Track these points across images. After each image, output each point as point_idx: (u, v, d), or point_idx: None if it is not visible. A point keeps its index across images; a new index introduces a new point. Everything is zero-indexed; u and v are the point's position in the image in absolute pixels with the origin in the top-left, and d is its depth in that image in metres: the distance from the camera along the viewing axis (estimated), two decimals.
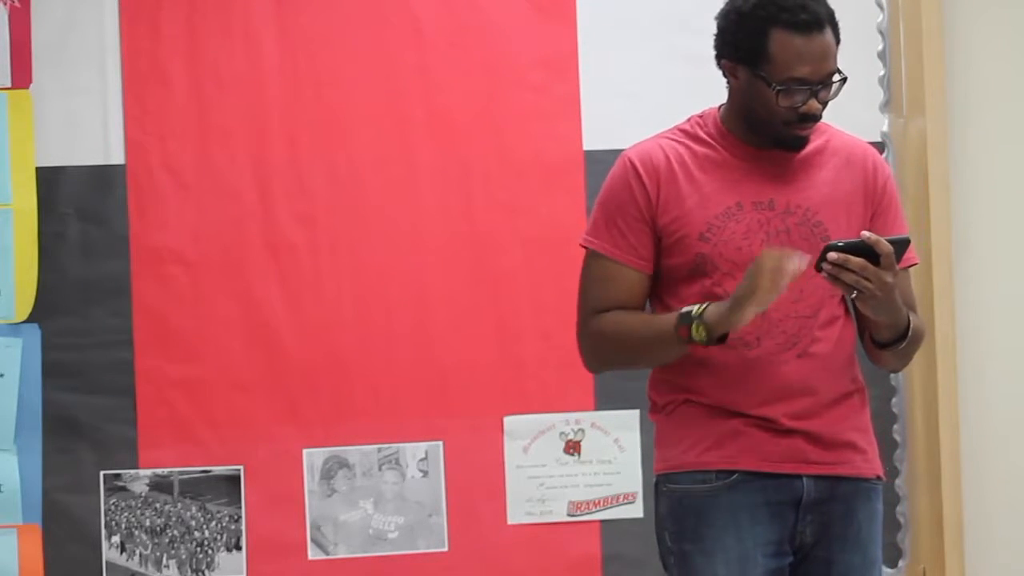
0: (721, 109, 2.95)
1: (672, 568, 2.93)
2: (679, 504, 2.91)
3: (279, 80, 4.12)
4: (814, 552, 2.91)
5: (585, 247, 2.96)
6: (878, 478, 2.97)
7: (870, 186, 2.94)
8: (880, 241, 2.70)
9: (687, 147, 2.92)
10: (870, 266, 2.70)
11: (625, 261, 2.90)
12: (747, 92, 2.86)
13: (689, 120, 2.97)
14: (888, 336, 2.88)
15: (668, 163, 2.90)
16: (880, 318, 2.82)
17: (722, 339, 2.78)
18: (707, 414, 2.88)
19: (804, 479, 2.88)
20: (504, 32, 4.18)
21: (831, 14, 2.84)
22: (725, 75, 2.91)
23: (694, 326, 2.77)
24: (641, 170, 2.90)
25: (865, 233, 2.72)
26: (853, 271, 2.70)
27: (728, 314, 2.74)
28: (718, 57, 2.90)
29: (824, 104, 2.85)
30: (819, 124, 2.93)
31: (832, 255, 2.70)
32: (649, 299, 2.95)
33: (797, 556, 2.91)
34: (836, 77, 2.84)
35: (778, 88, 2.80)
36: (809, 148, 2.92)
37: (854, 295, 2.74)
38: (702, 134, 2.93)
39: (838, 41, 2.85)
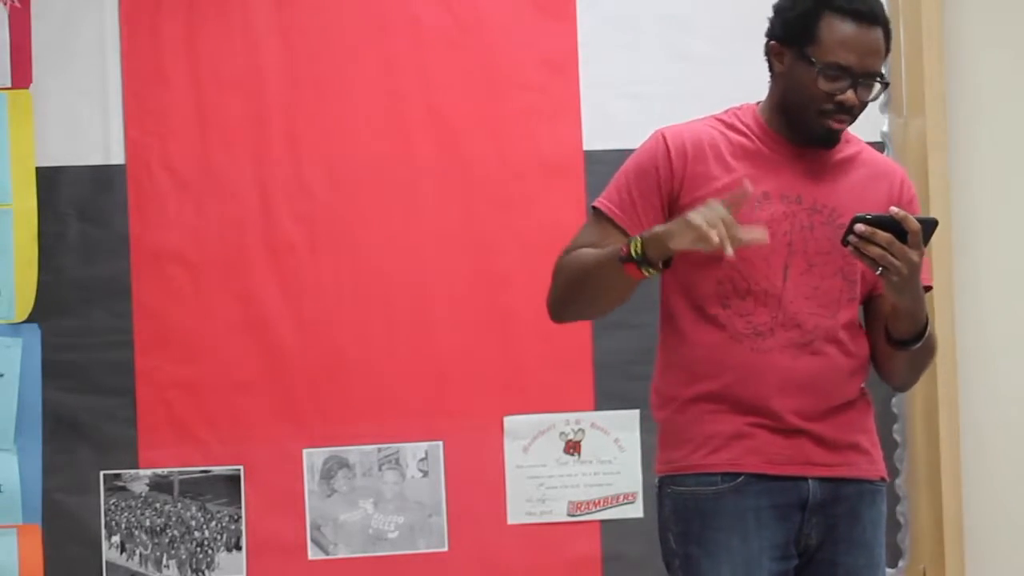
0: (760, 104, 2.96)
1: (677, 571, 2.92)
2: (684, 506, 2.90)
3: (279, 80, 4.12)
4: (819, 554, 2.91)
5: (594, 207, 2.95)
6: (882, 480, 2.97)
7: (894, 201, 2.91)
8: (908, 218, 2.67)
9: (722, 134, 2.93)
10: (897, 242, 2.68)
11: (625, 226, 2.89)
12: (789, 76, 2.86)
13: (727, 111, 2.98)
14: (907, 330, 2.85)
15: (700, 145, 2.90)
16: (903, 301, 2.79)
17: (667, 263, 2.76)
18: (712, 414, 2.87)
19: (810, 481, 2.88)
20: (504, 32, 4.18)
21: (887, 19, 2.85)
22: (770, 61, 2.91)
23: (632, 242, 2.76)
24: (671, 146, 2.90)
25: (893, 208, 2.69)
26: (880, 245, 2.68)
27: (665, 236, 2.71)
28: (768, 39, 2.90)
29: (863, 104, 2.85)
30: (852, 137, 2.95)
31: (859, 227, 2.67)
32: (662, 285, 2.93)
33: (802, 558, 2.91)
34: (880, 80, 2.85)
35: (820, 68, 2.80)
36: (843, 154, 2.93)
37: (879, 271, 2.71)
38: (739, 124, 2.94)
39: (888, 48, 2.85)
